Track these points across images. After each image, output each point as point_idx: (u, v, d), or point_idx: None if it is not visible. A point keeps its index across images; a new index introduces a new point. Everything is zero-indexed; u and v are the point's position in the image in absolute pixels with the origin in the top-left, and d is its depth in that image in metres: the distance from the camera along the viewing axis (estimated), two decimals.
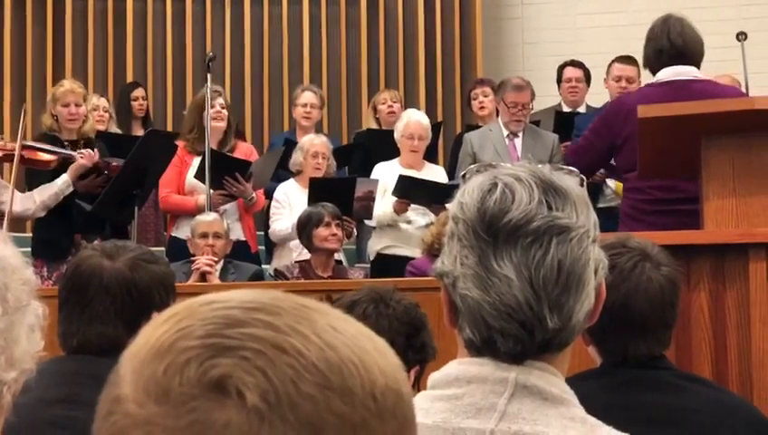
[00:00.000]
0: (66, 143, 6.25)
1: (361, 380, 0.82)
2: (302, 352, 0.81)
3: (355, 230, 6.78)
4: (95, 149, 6.25)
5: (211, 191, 6.40)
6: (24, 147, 6.00)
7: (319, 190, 6.49)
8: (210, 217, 6.13)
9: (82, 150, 6.15)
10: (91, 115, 6.62)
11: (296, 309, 0.85)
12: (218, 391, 0.79)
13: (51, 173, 6.14)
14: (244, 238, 6.74)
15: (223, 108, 6.74)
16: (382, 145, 7.29)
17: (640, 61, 6.84)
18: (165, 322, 0.85)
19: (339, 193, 6.50)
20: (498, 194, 1.46)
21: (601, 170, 6.69)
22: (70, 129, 6.28)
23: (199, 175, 6.45)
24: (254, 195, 6.65)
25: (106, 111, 8.00)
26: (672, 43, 4.76)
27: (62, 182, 6.07)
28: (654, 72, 4.88)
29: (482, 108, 7.98)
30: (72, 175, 6.06)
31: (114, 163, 6.18)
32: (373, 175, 6.97)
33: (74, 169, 6.07)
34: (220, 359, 0.80)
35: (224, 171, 6.46)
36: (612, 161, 5.90)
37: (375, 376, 0.83)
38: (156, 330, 0.85)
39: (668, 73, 4.76)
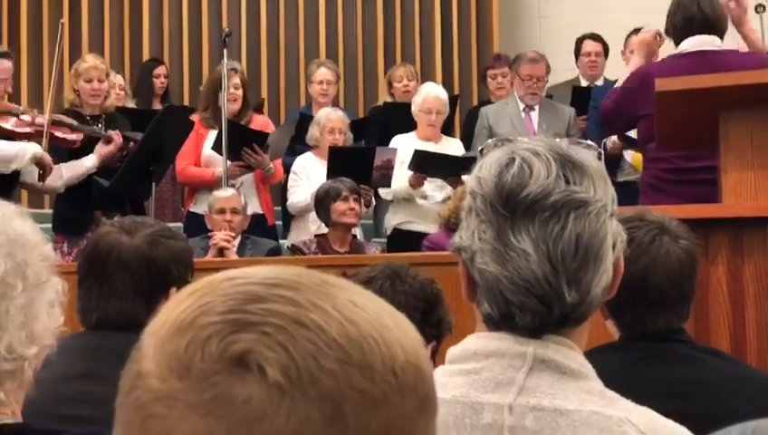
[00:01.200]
0: (88, 118, 6.25)
1: (382, 355, 0.82)
2: (323, 328, 0.81)
3: (373, 200, 6.78)
4: (114, 126, 6.26)
5: (228, 163, 6.41)
6: (53, 123, 5.98)
7: (338, 159, 6.49)
8: (228, 192, 6.14)
9: (110, 131, 6.13)
10: (112, 90, 6.64)
11: (317, 284, 0.85)
12: (240, 367, 0.80)
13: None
14: (261, 211, 6.76)
15: (237, 88, 6.74)
16: (399, 118, 7.28)
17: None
18: (186, 298, 0.86)
19: (358, 163, 6.51)
20: (516, 168, 1.46)
21: (618, 142, 6.67)
22: (92, 104, 6.28)
23: (216, 147, 6.46)
24: (271, 165, 6.65)
25: (122, 89, 8.01)
26: (703, 11, 4.74)
27: (91, 164, 6.07)
28: (677, 42, 4.85)
29: (500, 88, 7.96)
30: (100, 158, 6.06)
31: (131, 144, 6.18)
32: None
33: (103, 154, 6.06)
34: (241, 334, 0.81)
35: (241, 143, 6.47)
36: (633, 133, 5.88)
37: (395, 352, 0.83)
38: (177, 306, 0.85)
39: (693, 43, 4.74)
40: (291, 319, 0.81)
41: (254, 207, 6.67)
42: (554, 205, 1.44)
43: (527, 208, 1.44)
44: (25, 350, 1.53)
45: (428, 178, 6.71)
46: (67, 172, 6.06)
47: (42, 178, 5.78)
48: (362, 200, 6.19)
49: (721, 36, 4.79)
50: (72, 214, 6.16)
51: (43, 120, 5.91)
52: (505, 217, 1.45)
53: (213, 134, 6.59)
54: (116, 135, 6.10)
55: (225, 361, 0.80)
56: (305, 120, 7.14)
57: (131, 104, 8.04)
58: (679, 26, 4.82)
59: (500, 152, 1.50)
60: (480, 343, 1.49)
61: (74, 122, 6.10)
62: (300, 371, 0.79)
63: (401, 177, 6.70)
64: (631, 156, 6.81)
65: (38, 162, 5.73)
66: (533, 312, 1.45)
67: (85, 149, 6.09)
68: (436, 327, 2.77)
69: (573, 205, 1.44)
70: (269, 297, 0.83)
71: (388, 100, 8.17)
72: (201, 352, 0.81)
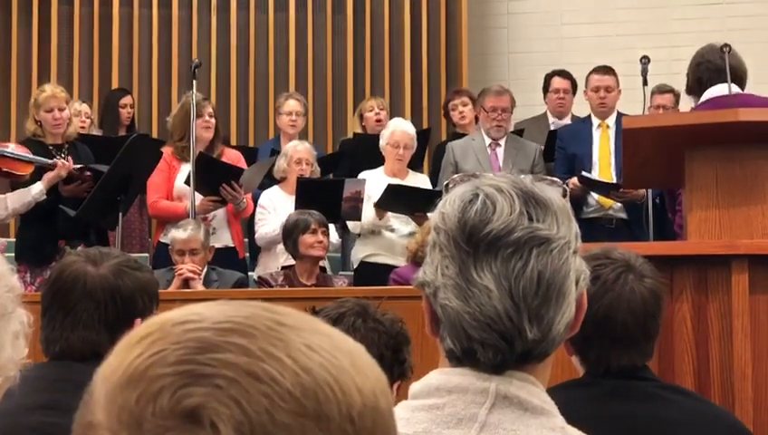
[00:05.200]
0: (51, 147, 6.23)
1: (338, 403, 0.81)
2: (277, 379, 0.80)
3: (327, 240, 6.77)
4: (76, 154, 6.24)
5: (201, 197, 6.38)
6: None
7: (306, 191, 6.48)
8: (186, 233, 6.00)
9: (57, 159, 6.11)
10: (75, 118, 6.62)
11: (271, 329, 0.83)
12: (192, 422, 0.78)
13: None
14: (232, 244, 6.72)
15: (211, 116, 6.72)
16: (369, 150, 7.27)
17: (618, 70, 6.95)
18: (137, 343, 0.83)
19: (326, 194, 6.50)
20: (479, 205, 1.46)
21: (578, 185, 6.68)
22: (55, 133, 6.26)
23: (190, 181, 6.43)
24: (244, 200, 6.63)
25: (88, 117, 7.99)
26: (725, 61, 4.89)
27: (37, 191, 6.03)
28: (700, 94, 4.94)
29: (462, 117, 8.01)
30: (47, 184, 6.03)
31: (88, 173, 6.15)
32: None
33: (49, 178, 6.04)
34: (193, 388, 0.79)
35: (216, 177, 6.43)
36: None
37: (352, 397, 0.82)
38: (129, 352, 0.83)
39: (710, 92, 4.85)
40: (244, 371, 0.80)
41: (226, 240, 6.65)
42: (517, 241, 1.44)
43: (490, 245, 1.44)
44: None
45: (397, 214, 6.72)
46: (12, 202, 6.03)
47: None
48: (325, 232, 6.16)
49: (741, 86, 4.89)
50: (36, 243, 6.13)
51: None
52: (468, 253, 1.45)
53: (186, 167, 6.53)
54: (60, 162, 6.06)
55: (177, 416, 0.78)
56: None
57: (96, 133, 8.01)
58: (705, 78, 4.91)
59: (464, 188, 1.50)
60: (442, 379, 1.49)
61: (23, 153, 6.08)
62: (253, 426, 0.78)
63: (368, 211, 6.70)
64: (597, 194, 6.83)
65: None
66: (495, 348, 1.45)
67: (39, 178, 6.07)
68: (402, 366, 2.77)
69: (536, 242, 1.44)
70: (221, 346, 0.81)
71: (359, 131, 8.19)
72: (153, 406, 0.79)
